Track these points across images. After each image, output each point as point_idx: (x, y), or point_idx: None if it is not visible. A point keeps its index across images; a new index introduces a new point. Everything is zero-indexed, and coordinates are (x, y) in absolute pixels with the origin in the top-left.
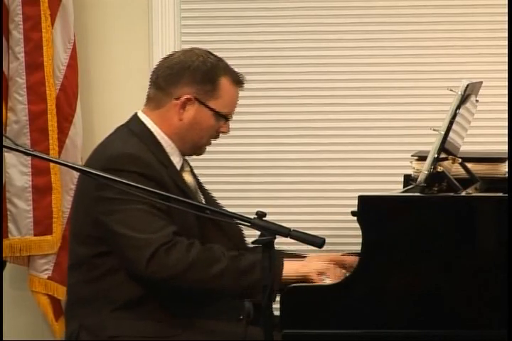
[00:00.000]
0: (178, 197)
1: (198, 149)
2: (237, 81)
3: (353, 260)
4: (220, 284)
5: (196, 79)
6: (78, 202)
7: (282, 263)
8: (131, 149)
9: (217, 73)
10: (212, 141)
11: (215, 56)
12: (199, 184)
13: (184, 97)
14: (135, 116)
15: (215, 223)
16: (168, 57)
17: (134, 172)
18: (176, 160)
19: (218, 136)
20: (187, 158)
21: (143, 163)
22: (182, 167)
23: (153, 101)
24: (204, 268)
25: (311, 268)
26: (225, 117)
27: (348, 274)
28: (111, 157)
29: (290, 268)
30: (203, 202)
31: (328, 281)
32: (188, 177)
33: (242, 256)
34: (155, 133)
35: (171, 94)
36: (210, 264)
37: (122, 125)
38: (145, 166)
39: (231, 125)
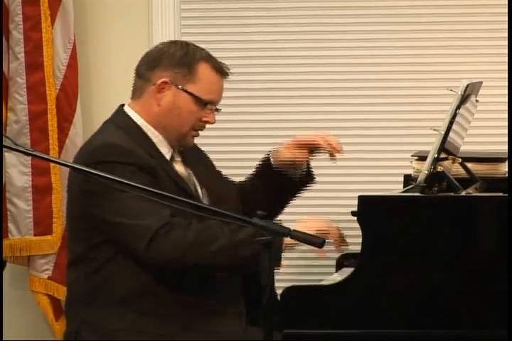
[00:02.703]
0: (176, 197)
1: (182, 139)
2: (218, 68)
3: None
4: (222, 260)
5: (172, 63)
6: (69, 197)
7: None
8: (113, 139)
9: (194, 57)
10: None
11: (197, 46)
12: (197, 175)
13: (160, 81)
14: (120, 110)
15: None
16: (151, 48)
17: (115, 162)
18: (165, 150)
19: (204, 126)
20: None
21: (126, 151)
22: (172, 157)
23: (136, 91)
24: (204, 245)
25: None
26: (204, 103)
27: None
28: (93, 149)
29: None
30: (199, 192)
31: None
32: (179, 167)
33: (242, 228)
34: (141, 126)
35: (149, 81)
36: (209, 241)
37: (107, 120)
38: (128, 155)
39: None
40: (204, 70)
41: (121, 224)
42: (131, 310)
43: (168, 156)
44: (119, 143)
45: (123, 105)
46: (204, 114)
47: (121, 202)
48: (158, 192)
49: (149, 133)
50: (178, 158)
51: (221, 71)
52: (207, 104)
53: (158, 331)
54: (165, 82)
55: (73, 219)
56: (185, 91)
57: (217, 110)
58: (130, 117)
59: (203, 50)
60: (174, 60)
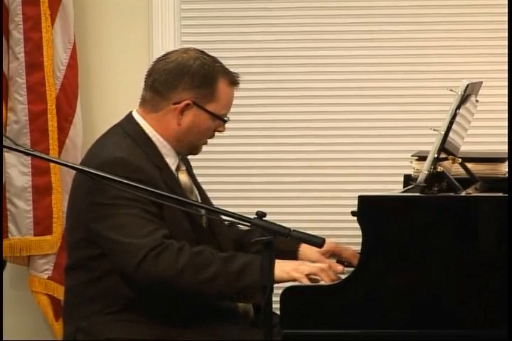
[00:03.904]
0: (177, 197)
1: (194, 149)
2: (233, 81)
3: (350, 253)
4: (212, 288)
5: (195, 83)
6: (71, 205)
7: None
8: (122, 153)
9: (215, 76)
10: (209, 141)
11: (211, 57)
12: (196, 184)
13: (184, 103)
14: (130, 117)
15: (208, 231)
16: (164, 60)
17: (125, 178)
18: (172, 161)
19: (214, 135)
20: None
21: (134, 167)
22: (178, 167)
23: (150, 104)
24: (195, 272)
25: (303, 273)
26: (222, 119)
27: (343, 274)
28: (103, 162)
29: (282, 270)
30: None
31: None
32: (183, 177)
33: (234, 257)
34: (150, 135)
35: (169, 99)
36: (201, 268)
37: (117, 125)
38: (136, 171)
39: (231, 125)
40: (223, 88)
41: (115, 241)
42: (126, 319)
43: (174, 167)
44: (127, 157)
45: (131, 112)
46: (218, 125)
47: (121, 218)
48: (160, 192)
49: (157, 143)
50: (183, 168)
51: (235, 83)
52: (224, 119)
53: (153, 338)
54: (188, 104)
55: (76, 227)
56: (206, 111)
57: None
58: (140, 126)
59: (217, 61)
60: (196, 81)
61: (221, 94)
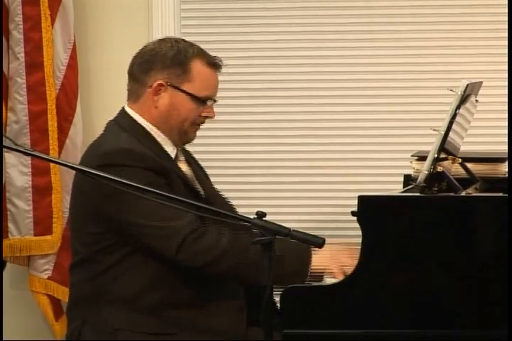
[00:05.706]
0: (177, 197)
1: (184, 136)
2: (212, 63)
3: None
4: (253, 272)
5: (166, 64)
6: (76, 199)
7: (311, 255)
8: (124, 144)
9: (186, 56)
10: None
11: (187, 42)
12: (196, 174)
13: (156, 83)
14: (122, 111)
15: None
16: (141, 49)
17: (126, 165)
18: (170, 149)
19: (204, 121)
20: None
21: (139, 156)
22: (176, 156)
23: (133, 94)
24: (237, 256)
25: (339, 266)
26: (202, 100)
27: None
28: (106, 153)
29: (319, 263)
30: (201, 191)
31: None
32: (183, 166)
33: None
34: (144, 126)
35: (144, 84)
36: (241, 252)
37: (111, 121)
38: (141, 159)
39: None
40: (198, 67)
41: (149, 226)
42: (132, 309)
43: (172, 155)
44: (130, 147)
45: (124, 107)
46: (203, 109)
47: (143, 204)
48: (166, 194)
49: (153, 133)
50: (181, 158)
51: (215, 65)
52: (205, 101)
53: (158, 330)
54: (161, 84)
55: (81, 222)
56: (182, 90)
57: (214, 101)
58: (133, 118)
59: (194, 45)
60: (167, 61)
61: (196, 74)
